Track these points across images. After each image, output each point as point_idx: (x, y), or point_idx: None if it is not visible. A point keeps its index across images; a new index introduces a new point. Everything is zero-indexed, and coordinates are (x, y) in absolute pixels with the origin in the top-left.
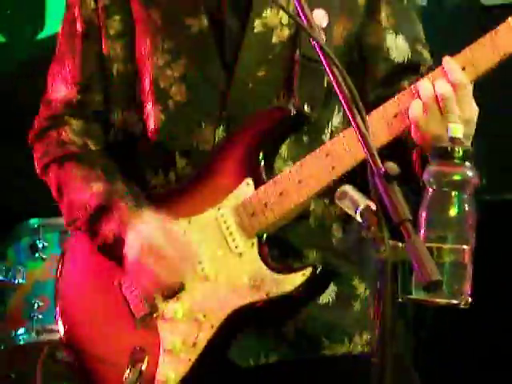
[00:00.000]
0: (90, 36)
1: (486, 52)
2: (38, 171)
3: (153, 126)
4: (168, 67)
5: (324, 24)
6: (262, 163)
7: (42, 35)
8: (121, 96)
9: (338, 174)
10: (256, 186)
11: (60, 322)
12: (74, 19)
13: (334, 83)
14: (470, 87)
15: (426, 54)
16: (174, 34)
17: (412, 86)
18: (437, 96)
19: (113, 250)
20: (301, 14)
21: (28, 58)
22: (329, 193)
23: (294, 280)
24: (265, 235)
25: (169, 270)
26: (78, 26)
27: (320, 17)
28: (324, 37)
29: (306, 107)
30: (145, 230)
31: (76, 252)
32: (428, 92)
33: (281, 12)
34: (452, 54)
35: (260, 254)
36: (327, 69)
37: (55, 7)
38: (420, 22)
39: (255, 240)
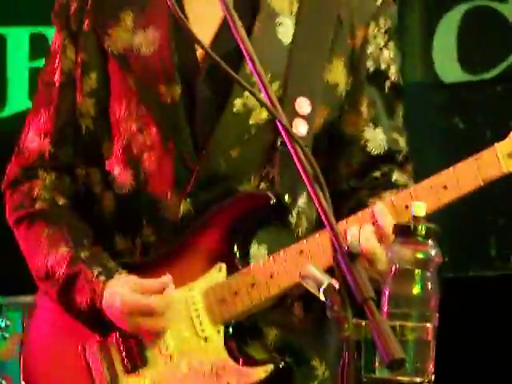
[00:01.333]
0: (67, 88)
1: (468, 175)
2: (9, 222)
3: (120, 191)
4: (140, 133)
5: (307, 112)
6: (237, 249)
7: (3, 114)
8: (87, 152)
9: None
10: (228, 272)
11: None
12: (53, 69)
13: (296, 161)
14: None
15: (402, 143)
16: (147, 100)
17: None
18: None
19: (87, 317)
20: (265, 95)
21: None
22: None
23: (255, 374)
24: (232, 322)
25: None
26: (57, 76)
27: (304, 104)
28: (306, 124)
29: (286, 197)
30: (120, 292)
31: (44, 308)
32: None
33: (261, 93)
34: (413, 130)
35: (225, 342)
36: (290, 147)
37: (16, 87)
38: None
39: (222, 327)
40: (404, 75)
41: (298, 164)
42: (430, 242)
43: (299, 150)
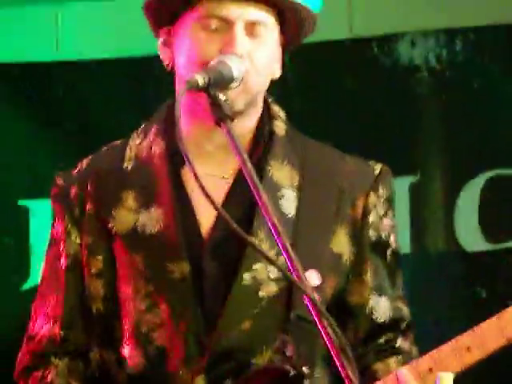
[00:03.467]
0: (74, 271)
1: (491, 334)
2: None
3: (132, 370)
4: (149, 312)
5: (317, 284)
6: None
7: (26, 286)
8: (99, 335)
9: None
10: None
11: None
12: (58, 255)
13: (323, 334)
14: None
15: (406, 311)
16: (155, 278)
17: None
18: None
19: None
20: (291, 268)
21: (13, 309)
22: None
23: None
24: None
25: None
26: (62, 261)
27: (313, 277)
28: (317, 295)
29: (304, 369)
30: None
31: None
32: None
33: (269, 266)
34: (434, 293)
35: None
36: (317, 322)
37: (39, 259)
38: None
39: None
40: (426, 245)
41: (325, 336)
42: None
43: (326, 322)
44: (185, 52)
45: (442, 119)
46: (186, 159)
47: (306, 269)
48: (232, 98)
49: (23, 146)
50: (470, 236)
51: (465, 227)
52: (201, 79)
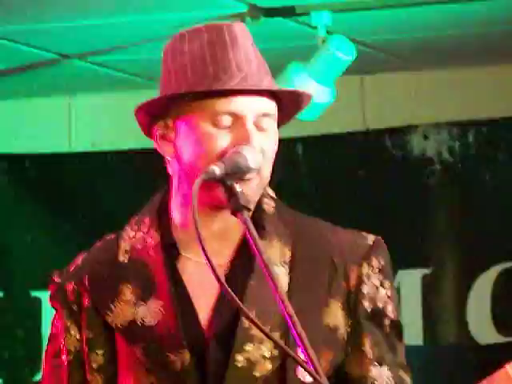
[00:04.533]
0: (75, 367)
1: None
2: None
3: None
4: None
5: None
6: None
7: (38, 377)
8: None
9: None
10: None
11: None
12: (58, 352)
13: None
14: None
15: (407, 378)
16: (156, 369)
17: None
18: None
19: None
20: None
21: None
22: None
23: None
24: None
25: None
26: (64, 358)
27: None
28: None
29: None
30: None
31: None
32: None
33: (262, 346)
34: None
35: None
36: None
37: None
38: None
39: None
40: (438, 337)
41: None
42: None
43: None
44: (194, 149)
45: (454, 211)
46: (198, 240)
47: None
48: (251, 190)
49: (36, 236)
50: (483, 328)
51: (477, 319)
52: (218, 170)
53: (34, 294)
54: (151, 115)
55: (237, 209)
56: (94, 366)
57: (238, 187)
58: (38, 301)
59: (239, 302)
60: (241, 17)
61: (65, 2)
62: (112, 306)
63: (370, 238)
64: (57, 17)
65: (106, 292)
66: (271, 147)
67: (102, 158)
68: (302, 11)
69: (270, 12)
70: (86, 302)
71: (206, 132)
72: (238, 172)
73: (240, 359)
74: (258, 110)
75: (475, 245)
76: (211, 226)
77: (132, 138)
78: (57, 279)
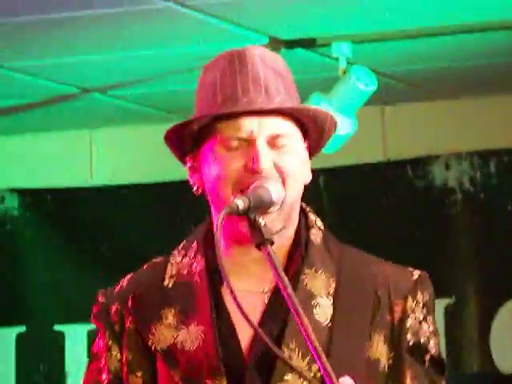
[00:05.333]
0: None
1: None
2: None
3: None
4: None
5: None
6: None
7: None
8: None
9: None
10: None
11: None
12: (99, 369)
13: None
14: None
15: None
16: None
17: None
18: None
19: None
20: (324, 375)
21: None
22: None
23: None
24: None
25: None
26: (104, 377)
27: (348, 382)
28: None
29: None
30: None
31: None
32: None
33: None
34: None
35: None
36: None
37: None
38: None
39: None
40: (462, 366)
41: None
42: None
43: None
44: (211, 174)
45: (476, 241)
46: (225, 281)
47: (339, 375)
48: (274, 220)
49: (57, 271)
50: (506, 357)
51: (500, 349)
52: (241, 204)
53: (57, 328)
54: (181, 147)
55: (260, 242)
56: None
57: (261, 220)
58: (61, 335)
59: (270, 342)
60: None
61: (84, 37)
62: (153, 329)
63: (416, 273)
64: (77, 51)
65: (149, 315)
66: (291, 165)
67: (123, 192)
68: (322, 42)
69: (291, 44)
70: (128, 323)
71: (219, 156)
72: (261, 205)
73: None
74: (269, 130)
75: (498, 274)
76: (251, 251)
77: (153, 171)
78: (101, 299)
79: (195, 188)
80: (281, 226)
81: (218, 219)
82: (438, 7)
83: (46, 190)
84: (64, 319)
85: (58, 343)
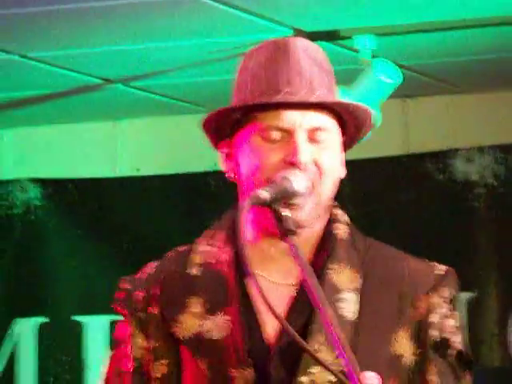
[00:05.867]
0: (139, 375)
1: None
2: None
3: None
4: None
5: None
6: None
7: None
8: None
9: None
10: None
11: None
12: (124, 357)
13: None
14: None
15: None
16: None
17: None
18: None
19: None
20: (349, 371)
21: None
22: None
23: None
24: None
25: None
26: (129, 364)
27: (372, 379)
28: None
29: None
30: None
31: None
32: None
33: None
34: None
35: None
36: None
37: (94, 372)
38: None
39: None
40: (482, 360)
41: None
42: None
43: None
44: (247, 164)
45: (498, 235)
46: (250, 275)
47: (365, 371)
48: (303, 213)
49: (76, 261)
50: None
51: None
52: (265, 194)
53: (78, 318)
54: (218, 133)
55: (284, 233)
56: (158, 375)
57: (285, 212)
58: (82, 325)
59: (293, 333)
60: None
61: (108, 27)
62: (178, 317)
63: (442, 268)
64: (100, 42)
65: (174, 303)
66: (329, 161)
67: (147, 183)
68: (346, 35)
69: (315, 36)
70: (153, 310)
71: (256, 146)
72: (286, 197)
73: (305, 381)
74: (309, 124)
75: None
76: (279, 243)
77: (177, 162)
78: (126, 286)
79: (229, 175)
80: (314, 219)
81: (242, 210)
82: (460, 0)
83: (68, 180)
84: (86, 310)
85: (76, 334)
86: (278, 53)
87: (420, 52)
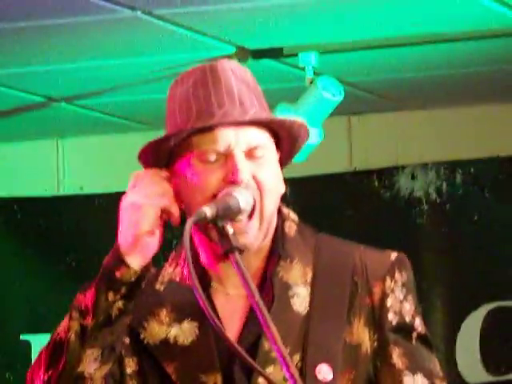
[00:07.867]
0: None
1: None
2: None
3: None
4: None
5: (329, 378)
6: None
7: None
8: None
9: None
10: None
11: None
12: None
13: None
14: None
15: None
16: None
17: None
18: None
19: None
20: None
21: None
22: None
23: None
24: None
25: None
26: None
27: (324, 371)
28: None
29: None
30: None
31: None
32: None
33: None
34: None
35: None
36: None
37: None
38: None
39: None
40: None
41: None
42: None
43: None
44: (189, 188)
45: (442, 251)
46: (195, 290)
47: (317, 363)
48: (252, 233)
49: (24, 280)
50: (472, 368)
51: (466, 359)
52: (209, 211)
53: (23, 337)
54: (156, 165)
55: (228, 250)
56: (129, 371)
57: (229, 228)
58: (28, 344)
59: (237, 348)
60: (229, 59)
61: (51, 46)
62: (145, 324)
63: (393, 254)
64: (43, 60)
65: (142, 312)
66: (269, 177)
67: (91, 201)
68: (289, 52)
69: (259, 54)
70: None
71: (196, 170)
72: (230, 213)
73: (261, 382)
74: (247, 142)
75: (464, 284)
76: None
77: (120, 180)
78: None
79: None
80: (261, 239)
81: (186, 227)
82: (403, 18)
83: (14, 200)
84: (31, 329)
85: (23, 352)
86: (206, 76)
87: (364, 69)
